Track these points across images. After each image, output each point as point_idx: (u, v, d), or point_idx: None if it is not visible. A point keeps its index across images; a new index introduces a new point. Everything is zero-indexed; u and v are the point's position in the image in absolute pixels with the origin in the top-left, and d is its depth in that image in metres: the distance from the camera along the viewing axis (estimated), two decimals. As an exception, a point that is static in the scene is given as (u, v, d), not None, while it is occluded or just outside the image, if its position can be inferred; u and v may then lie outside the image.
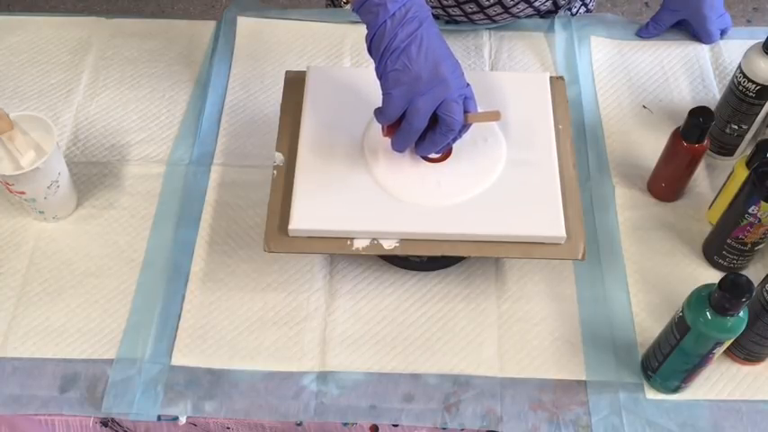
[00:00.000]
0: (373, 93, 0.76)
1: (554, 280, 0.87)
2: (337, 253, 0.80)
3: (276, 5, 1.15)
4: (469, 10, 1.06)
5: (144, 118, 1.00)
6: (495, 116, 0.76)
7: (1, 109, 0.82)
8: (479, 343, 0.83)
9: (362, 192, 0.79)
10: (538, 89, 0.87)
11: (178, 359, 0.82)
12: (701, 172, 0.95)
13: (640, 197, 0.93)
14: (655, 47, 1.08)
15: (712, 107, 0.88)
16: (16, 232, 0.90)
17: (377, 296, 0.85)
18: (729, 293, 0.66)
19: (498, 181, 0.80)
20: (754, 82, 0.87)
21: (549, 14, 1.11)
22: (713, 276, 0.86)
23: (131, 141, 0.98)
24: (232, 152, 0.96)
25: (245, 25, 1.09)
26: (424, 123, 0.74)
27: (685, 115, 0.84)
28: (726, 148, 0.95)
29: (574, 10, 1.14)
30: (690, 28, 1.08)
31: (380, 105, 0.74)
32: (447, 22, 1.10)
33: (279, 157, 0.82)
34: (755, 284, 0.69)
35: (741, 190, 0.80)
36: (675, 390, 0.79)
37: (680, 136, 0.86)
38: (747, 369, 0.81)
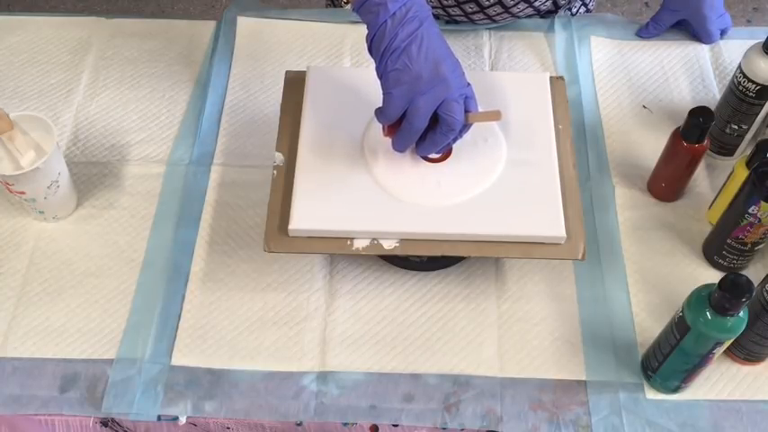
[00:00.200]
0: (373, 93, 0.76)
1: (554, 280, 0.87)
2: (337, 253, 0.80)
3: (276, 5, 1.15)
4: (469, 10, 1.06)
5: (144, 118, 1.00)
6: (495, 116, 0.76)
7: (1, 109, 0.82)
8: (479, 343, 0.83)
9: (362, 192, 0.79)
10: (538, 89, 0.87)
11: (178, 359, 0.82)
12: (701, 172, 0.95)
13: (640, 197, 0.93)
14: (655, 47, 1.08)
15: (712, 107, 0.88)
16: (16, 232, 0.90)
17: (377, 296, 0.85)
18: (729, 293, 0.66)
19: (498, 181, 0.80)
20: (754, 82, 0.87)
21: (549, 14, 1.11)
22: (713, 276, 0.86)
23: (131, 141, 0.98)
24: (232, 152, 0.96)
25: (245, 25, 1.09)
26: (425, 123, 0.73)
27: (685, 115, 0.84)
28: (726, 148, 0.95)
29: (574, 10, 1.14)
30: (690, 28, 1.08)
31: (381, 105, 0.74)
32: (447, 22, 1.10)
33: (279, 157, 0.82)
34: (755, 284, 0.69)
35: (741, 190, 0.80)
36: (675, 390, 0.79)
37: (680, 136, 0.86)
38: (747, 369, 0.81)
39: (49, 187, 0.85)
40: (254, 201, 0.92)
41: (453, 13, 1.08)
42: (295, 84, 0.87)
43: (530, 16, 1.10)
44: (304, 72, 0.88)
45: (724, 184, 0.88)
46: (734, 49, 1.07)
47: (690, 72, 1.05)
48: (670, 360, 0.75)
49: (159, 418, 0.79)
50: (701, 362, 0.73)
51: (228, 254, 0.88)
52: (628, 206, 0.92)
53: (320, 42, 1.07)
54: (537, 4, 1.06)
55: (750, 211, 0.78)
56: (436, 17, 1.10)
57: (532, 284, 0.86)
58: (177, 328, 0.83)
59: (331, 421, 0.79)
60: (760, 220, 0.78)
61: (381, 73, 0.72)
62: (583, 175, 0.94)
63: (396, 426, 0.79)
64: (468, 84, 0.75)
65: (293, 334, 0.83)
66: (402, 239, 0.77)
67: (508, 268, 0.88)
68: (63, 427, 0.81)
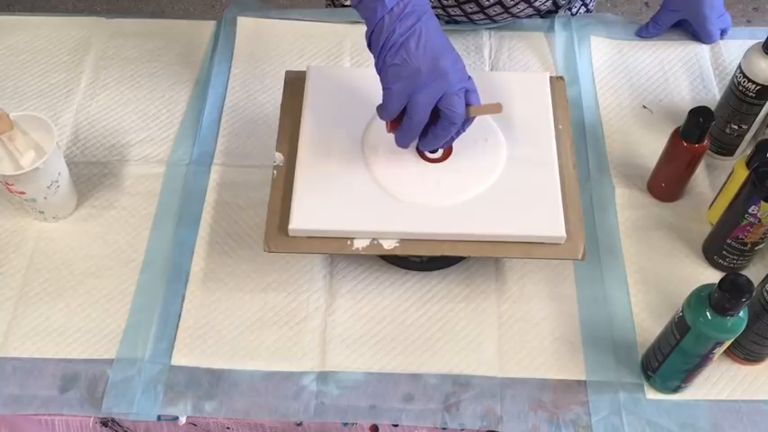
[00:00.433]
0: (373, 93, 0.76)
1: (554, 280, 0.87)
2: (337, 253, 0.80)
3: (276, 5, 1.15)
4: (470, 10, 1.06)
5: (144, 118, 1.00)
6: (496, 108, 0.76)
7: (1, 109, 0.82)
8: (479, 343, 0.83)
9: (362, 192, 0.79)
10: (538, 89, 0.87)
11: (178, 359, 0.82)
12: (701, 172, 0.95)
13: (640, 197, 0.93)
14: (655, 47, 1.08)
15: (712, 107, 0.88)
16: (16, 232, 0.90)
17: (377, 296, 0.85)
18: (729, 293, 0.66)
19: (498, 181, 0.80)
20: (754, 82, 0.87)
21: (549, 14, 1.11)
22: (713, 276, 0.86)
23: (131, 141, 0.98)
24: (232, 152, 0.96)
25: (245, 25, 1.09)
26: (426, 117, 0.73)
27: (685, 115, 0.84)
28: (726, 148, 0.95)
29: (574, 10, 1.14)
30: (690, 28, 1.08)
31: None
32: (447, 22, 1.10)
33: (279, 157, 0.82)
34: (755, 284, 0.69)
35: (741, 190, 0.80)
36: (675, 390, 0.79)
37: (680, 136, 0.86)
38: (747, 369, 0.81)
39: (49, 187, 0.85)
40: (254, 201, 0.92)
41: (453, 13, 1.08)
42: (295, 84, 0.87)
43: (530, 16, 1.10)
44: (304, 72, 0.88)
45: (724, 184, 0.88)
46: (734, 49, 1.07)
47: (690, 72, 1.05)
48: (670, 360, 0.75)
49: (159, 418, 0.79)
50: (701, 362, 0.73)
51: (228, 254, 0.88)
52: (628, 206, 0.92)
53: (320, 42, 1.07)
54: (537, 4, 1.06)
55: (750, 211, 0.78)
56: (436, 17, 1.09)
57: (532, 284, 0.86)
58: (177, 328, 0.83)
59: (331, 421, 0.79)
60: (760, 220, 0.78)
61: (380, 68, 0.72)
62: (583, 175, 0.94)
63: (396, 426, 0.79)
64: (470, 77, 0.75)
65: (293, 334, 0.83)
66: (402, 239, 0.77)
67: (508, 268, 0.88)
68: (63, 427, 0.81)
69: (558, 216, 0.78)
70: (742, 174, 0.82)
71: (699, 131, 0.84)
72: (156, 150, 0.97)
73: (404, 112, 0.74)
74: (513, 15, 1.08)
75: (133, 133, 0.98)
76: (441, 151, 0.82)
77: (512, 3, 1.04)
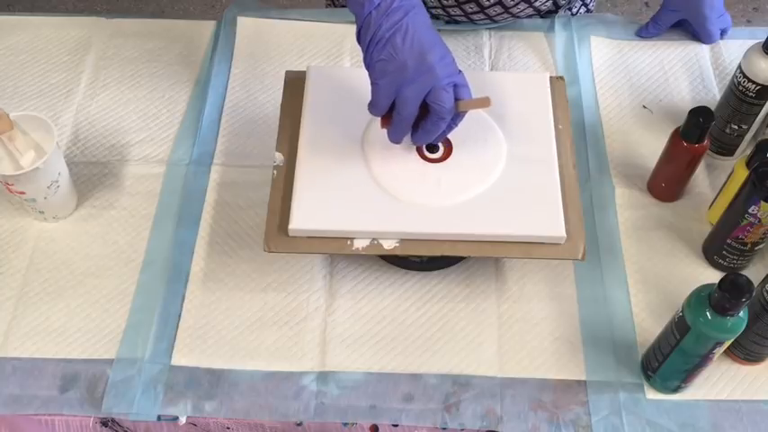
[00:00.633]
0: (373, 93, 0.76)
1: (554, 280, 0.87)
2: (337, 253, 0.80)
3: (276, 5, 1.15)
4: (470, 10, 1.06)
5: (144, 118, 1.00)
6: (485, 102, 0.75)
7: (1, 109, 0.82)
8: (479, 343, 0.83)
9: (362, 191, 0.79)
10: (538, 89, 0.87)
11: (178, 359, 0.81)
12: (701, 172, 0.95)
13: (640, 197, 0.93)
14: (655, 47, 1.08)
15: (712, 107, 0.88)
16: (16, 232, 0.90)
17: (377, 296, 0.85)
18: (729, 293, 0.66)
19: (498, 181, 0.80)
20: (754, 82, 0.87)
21: (549, 14, 1.11)
22: (713, 276, 0.86)
23: (131, 141, 0.98)
24: (232, 152, 0.96)
25: (245, 25, 1.09)
26: (414, 112, 0.73)
27: (685, 115, 0.84)
28: (726, 148, 0.95)
29: (574, 10, 1.14)
30: (690, 28, 1.08)
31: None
32: (447, 22, 1.10)
33: (279, 157, 0.82)
34: (755, 284, 0.69)
35: (741, 190, 0.80)
36: (675, 390, 0.79)
37: (680, 136, 0.86)
38: (747, 369, 0.81)
39: (49, 187, 0.85)
40: (254, 201, 0.92)
41: (453, 13, 1.08)
42: (295, 84, 0.87)
43: (530, 16, 1.10)
44: (304, 72, 0.88)
45: (724, 184, 0.88)
46: (734, 49, 1.07)
47: (690, 72, 1.05)
48: (670, 360, 0.75)
49: (159, 418, 0.79)
50: (701, 362, 0.73)
51: (228, 254, 0.88)
52: (628, 206, 0.92)
53: (320, 42, 1.07)
54: (537, 4, 1.06)
55: (750, 211, 0.78)
56: (436, 17, 1.10)
57: (532, 284, 0.86)
58: (177, 328, 0.83)
59: (331, 421, 0.79)
60: (760, 220, 0.78)
61: (368, 64, 0.72)
62: (583, 175, 0.94)
63: (396, 426, 0.79)
64: (460, 71, 0.74)
65: (293, 334, 0.83)
66: (402, 239, 0.77)
67: (508, 268, 0.88)
68: (63, 427, 0.81)
69: (558, 216, 0.78)
70: (742, 174, 0.82)
71: (699, 131, 0.84)
72: (156, 150, 0.97)
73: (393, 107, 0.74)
74: (514, 15, 1.08)
75: (133, 133, 0.98)
76: (441, 151, 0.82)
77: (512, 3, 1.04)
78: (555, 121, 0.85)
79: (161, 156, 0.96)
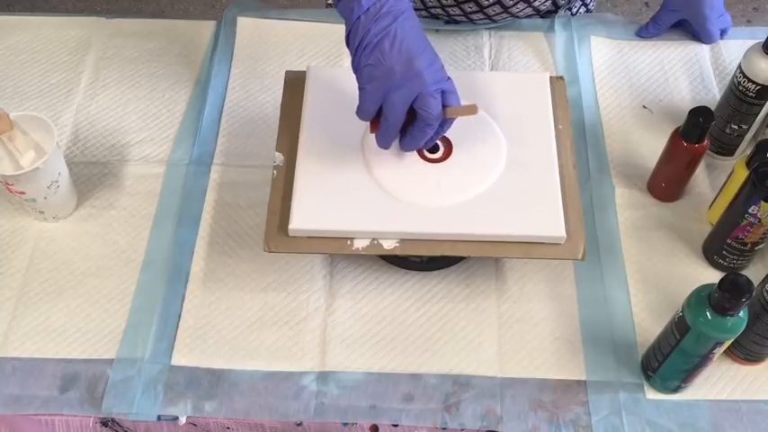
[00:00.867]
0: (373, 93, 0.76)
1: (554, 280, 0.87)
2: (337, 253, 0.80)
3: (276, 5, 1.15)
4: (469, 9, 1.06)
5: (144, 118, 1.00)
6: (472, 110, 0.75)
7: (1, 109, 0.82)
8: (479, 343, 0.83)
9: (362, 192, 0.79)
10: (538, 89, 0.87)
11: (178, 359, 0.82)
12: (701, 172, 0.95)
13: (640, 197, 0.93)
14: (655, 47, 1.08)
15: (712, 107, 0.88)
16: (16, 232, 0.90)
17: (377, 296, 0.85)
18: (729, 293, 0.66)
19: (498, 181, 0.80)
20: (754, 82, 0.87)
21: (549, 14, 1.11)
22: (713, 276, 0.86)
23: (131, 141, 0.98)
24: (232, 152, 0.96)
25: (245, 25, 1.09)
26: (400, 117, 0.73)
27: (685, 115, 0.84)
28: (726, 148, 0.95)
29: (574, 10, 1.14)
30: (690, 28, 1.08)
31: None
32: (447, 22, 1.10)
33: (279, 157, 0.82)
34: (755, 284, 0.69)
35: (741, 190, 0.80)
36: (675, 390, 0.79)
37: (680, 136, 0.86)
38: (747, 369, 0.81)
39: (49, 187, 0.85)
40: (254, 201, 0.92)
41: (453, 12, 1.08)
42: (295, 84, 0.87)
43: (530, 16, 1.10)
44: (304, 72, 0.88)
45: (724, 184, 0.88)
46: (734, 49, 1.07)
47: (690, 72, 1.05)
48: (670, 360, 0.75)
49: (159, 418, 0.79)
50: (701, 362, 0.73)
51: (228, 254, 0.88)
52: (628, 206, 0.92)
53: (320, 42, 1.07)
54: (537, 4, 1.06)
55: (750, 211, 0.78)
56: (435, 17, 1.10)
57: (532, 284, 0.86)
58: (177, 328, 0.83)
59: (331, 421, 0.79)
60: (760, 220, 0.78)
61: (356, 68, 0.72)
62: (583, 175, 0.94)
63: (396, 426, 0.79)
64: (449, 78, 0.74)
65: (293, 334, 0.83)
66: (402, 239, 0.77)
67: (508, 268, 0.88)
68: (63, 427, 0.81)
69: (558, 216, 0.78)
70: (742, 174, 0.82)
71: (699, 131, 0.84)
72: (156, 150, 0.97)
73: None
74: (513, 15, 1.08)
75: (133, 133, 0.98)
76: (441, 151, 0.82)
77: (511, 3, 1.04)
78: (555, 121, 0.85)
79: (161, 156, 0.96)
